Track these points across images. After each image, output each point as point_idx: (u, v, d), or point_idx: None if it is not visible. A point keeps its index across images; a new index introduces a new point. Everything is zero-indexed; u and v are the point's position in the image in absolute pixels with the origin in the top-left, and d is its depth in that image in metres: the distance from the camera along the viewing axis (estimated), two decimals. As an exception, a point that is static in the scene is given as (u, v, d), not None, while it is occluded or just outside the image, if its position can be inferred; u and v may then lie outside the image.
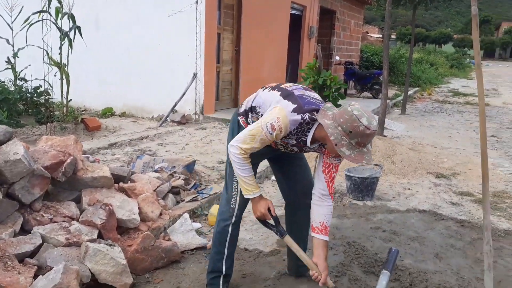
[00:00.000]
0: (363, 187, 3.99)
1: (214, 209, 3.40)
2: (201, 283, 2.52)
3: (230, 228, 2.32)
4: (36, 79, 6.17)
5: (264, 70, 8.98)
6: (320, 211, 2.19)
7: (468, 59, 36.60)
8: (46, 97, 6.25)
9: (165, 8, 7.11)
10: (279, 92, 2.14)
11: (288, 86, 2.21)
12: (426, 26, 78.29)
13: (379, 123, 6.57)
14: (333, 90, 3.59)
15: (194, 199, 3.62)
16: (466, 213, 3.79)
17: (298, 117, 2.01)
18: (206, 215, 3.47)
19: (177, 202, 3.60)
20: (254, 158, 2.22)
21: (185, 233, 3.02)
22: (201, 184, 4.01)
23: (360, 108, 1.93)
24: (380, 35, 41.43)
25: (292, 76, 10.80)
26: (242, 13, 7.95)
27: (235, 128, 2.33)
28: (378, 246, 3.05)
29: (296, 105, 2.03)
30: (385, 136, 6.36)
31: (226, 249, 2.34)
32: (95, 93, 7.85)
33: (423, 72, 18.24)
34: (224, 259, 2.34)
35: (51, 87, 6.05)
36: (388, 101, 7.91)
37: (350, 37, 14.48)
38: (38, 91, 6.28)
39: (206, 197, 3.67)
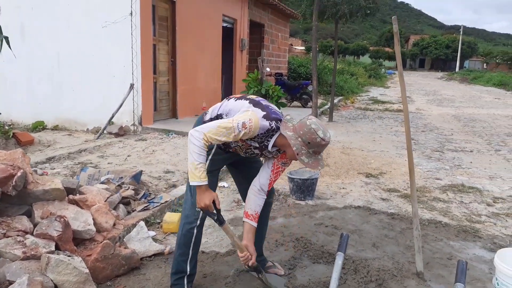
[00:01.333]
0: (305, 188, 4.30)
1: (168, 216, 3.49)
2: (163, 286, 2.62)
3: (195, 231, 2.45)
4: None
5: (200, 80, 9.13)
6: (257, 201, 2.45)
7: (383, 70, 39.64)
8: (-32, 111, 5.86)
9: (97, 18, 7.00)
10: (247, 101, 2.34)
11: (254, 97, 2.42)
12: (345, 38, 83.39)
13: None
14: (275, 99, 3.86)
15: (145, 208, 3.67)
16: (395, 207, 4.25)
17: (267, 123, 2.23)
18: (159, 223, 3.54)
19: (129, 212, 3.62)
20: (217, 164, 2.45)
21: (142, 241, 3.08)
22: (150, 193, 4.06)
23: (316, 121, 2.22)
24: (303, 48, 43.44)
25: (227, 86, 11.06)
26: (176, 25, 8.06)
27: None
28: (323, 240, 3.35)
29: (265, 113, 2.25)
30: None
31: (191, 250, 2.46)
32: (23, 105, 7.47)
33: (345, 82, 19.50)
34: (189, 260, 2.47)
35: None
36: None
37: (278, 49, 15.13)
38: (-41, 104, 5.87)
39: (157, 206, 3.74)
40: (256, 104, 2.31)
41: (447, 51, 63.89)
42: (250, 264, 2.38)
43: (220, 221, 2.32)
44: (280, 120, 2.30)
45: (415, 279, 2.76)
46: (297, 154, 2.18)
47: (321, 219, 3.81)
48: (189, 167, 2.21)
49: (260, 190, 2.46)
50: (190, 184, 2.24)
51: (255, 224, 2.45)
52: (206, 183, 2.21)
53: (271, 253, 3.08)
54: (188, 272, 2.48)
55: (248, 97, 2.41)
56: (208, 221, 3.25)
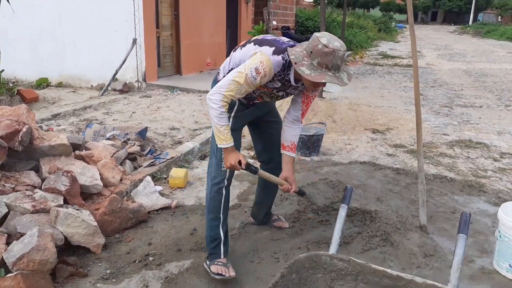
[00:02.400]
0: (310, 144, 4.29)
1: (174, 172, 3.52)
2: (170, 238, 2.68)
3: (223, 191, 2.35)
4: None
5: (204, 34, 8.93)
6: (292, 132, 2.38)
7: (394, 23, 38.43)
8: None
9: (97, -29, 6.77)
10: (252, 43, 2.18)
11: (258, 37, 2.25)
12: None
13: (319, 85, 6.91)
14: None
15: (151, 164, 3.70)
16: (401, 162, 4.24)
17: (279, 57, 2.05)
18: (166, 178, 3.58)
19: (135, 168, 3.66)
20: (239, 121, 2.36)
21: (149, 195, 3.13)
22: (156, 150, 4.08)
23: (327, 34, 1.99)
24: (312, 0, 42.01)
25: (232, 40, 10.82)
26: (179, -23, 7.78)
27: None
28: (327, 194, 3.37)
29: (274, 48, 2.07)
30: (324, 98, 6.73)
31: (221, 213, 2.36)
32: (27, 63, 7.40)
33: (354, 36, 18.97)
34: (221, 225, 2.35)
35: (-23, 57, 5.63)
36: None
37: (285, 1, 14.64)
38: (-38, 61, 5.81)
39: (163, 162, 3.76)
40: (262, 42, 2.14)
41: (461, 3, 61.43)
42: (291, 192, 2.38)
43: (253, 170, 2.27)
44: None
45: (418, 232, 2.79)
46: (295, 64, 1.96)
47: (326, 174, 3.83)
48: (214, 130, 2.15)
49: (294, 121, 2.38)
50: (218, 146, 2.17)
51: (293, 154, 2.40)
52: (231, 144, 2.14)
53: (276, 207, 3.11)
54: (222, 238, 2.35)
55: (251, 39, 2.24)
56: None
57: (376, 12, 56.59)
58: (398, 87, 8.94)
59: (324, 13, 6.98)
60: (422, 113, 6.34)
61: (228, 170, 2.31)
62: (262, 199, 2.79)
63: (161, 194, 3.29)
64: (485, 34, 33.65)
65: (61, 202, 2.62)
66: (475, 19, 55.54)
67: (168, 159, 3.85)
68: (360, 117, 5.74)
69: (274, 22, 12.77)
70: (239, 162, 2.18)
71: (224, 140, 2.12)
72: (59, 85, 7.16)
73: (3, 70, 5.70)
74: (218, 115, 2.07)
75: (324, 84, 2.13)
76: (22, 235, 2.30)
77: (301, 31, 16.39)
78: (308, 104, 2.37)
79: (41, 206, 2.52)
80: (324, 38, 1.95)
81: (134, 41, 6.76)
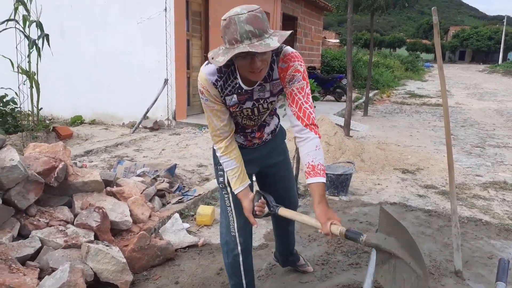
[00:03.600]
0: (338, 183, 4.25)
1: (201, 209, 3.54)
2: (197, 277, 2.66)
3: (240, 257, 2.10)
4: (2, 88, 6.05)
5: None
6: (304, 149, 1.81)
7: (421, 62, 38.45)
8: (12, 106, 6.15)
9: (132, 15, 7.16)
10: None
11: None
12: (381, 31, 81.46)
13: (345, 124, 6.92)
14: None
15: (180, 201, 3.73)
16: (432, 204, 4.12)
17: (209, 65, 1.78)
18: (193, 215, 3.60)
19: (163, 205, 3.70)
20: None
21: (177, 232, 3.14)
22: (184, 186, 4.12)
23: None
24: (337, 40, 42.78)
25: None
26: (209, 20, 8.12)
27: None
28: (357, 236, 3.29)
29: (206, 61, 1.81)
30: (352, 137, 6.71)
31: (244, 279, 2.12)
32: (63, 101, 7.76)
33: (381, 75, 19.05)
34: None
35: (18, 96, 5.95)
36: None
37: (311, 42, 14.96)
38: (4, 100, 6.16)
39: (191, 199, 3.80)
40: None
41: (490, 43, 61.16)
42: (331, 237, 1.74)
43: (274, 211, 1.93)
44: None
45: (453, 277, 2.67)
46: (212, 58, 1.64)
47: (355, 215, 3.75)
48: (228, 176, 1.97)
49: (300, 132, 1.82)
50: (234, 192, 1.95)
51: (313, 180, 1.77)
52: (239, 190, 1.92)
53: (304, 248, 3.06)
54: None
55: None
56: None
57: (402, 51, 56.92)
58: (427, 126, 8.82)
59: (351, 53, 7.09)
60: (453, 153, 6.22)
61: (237, 233, 2.06)
62: (277, 236, 2.53)
63: (188, 231, 3.30)
64: (516, 73, 33.10)
65: (92, 238, 2.67)
66: (504, 58, 54.93)
67: (195, 196, 3.88)
68: (389, 156, 5.66)
69: (301, 62, 13.03)
70: (254, 214, 1.90)
71: (234, 186, 1.93)
72: (92, 122, 7.44)
73: (41, 108, 5.98)
74: (223, 162, 1.94)
75: (256, 62, 1.63)
76: (53, 270, 2.34)
77: (327, 70, 16.61)
78: (298, 103, 1.81)
79: (73, 242, 2.57)
80: (227, 14, 1.61)
81: (166, 81, 7.01)
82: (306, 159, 1.80)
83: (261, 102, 1.90)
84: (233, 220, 2.08)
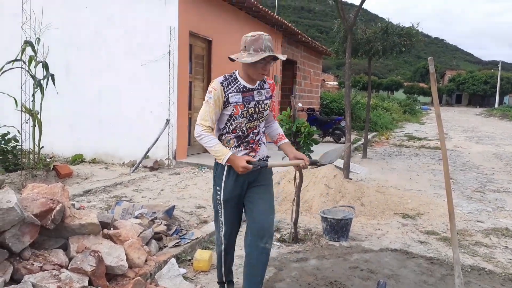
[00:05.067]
0: (338, 228, 4.19)
1: (199, 254, 3.46)
2: (193, 327, 2.56)
3: (223, 253, 2.79)
4: (4, 125, 6.10)
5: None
6: (273, 127, 2.81)
7: (418, 105, 39.00)
8: (14, 144, 6.17)
9: (136, 57, 7.33)
10: None
11: None
12: (378, 74, 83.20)
13: (345, 166, 6.92)
14: (306, 136, 3.85)
15: (177, 244, 3.66)
16: (434, 251, 4.05)
17: (221, 77, 2.56)
18: (190, 260, 3.52)
19: (160, 248, 3.62)
20: (236, 187, 2.59)
21: (173, 279, 3.06)
22: (181, 229, 4.06)
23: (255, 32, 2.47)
24: (336, 83, 43.54)
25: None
26: (211, 63, 8.31)
27: None
28: (358, 285, 3.21)
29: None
30: (351, 179, 6.69)
31: (222, 267, 2.86)
32: (64, 139, 7.79)
33: (379, 117, 19.28)
34: (223, 273, 2.87)
35: (20, 134, 5.99)
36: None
37: (310, 85, 15.25)
38: (6, 138, 6.19)
39: (188, 242, 3.73)
40: None
41: (485, 87, 62.33)
42: (307, 163, 2.63)
43: (263, 165, 2.53)
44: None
45: (458, 332, 2.58)
46: (237, 58, 2.44)
47: (356, 262, 3.67)
48: (210, 152, 2.52)
49: (273, 121, 2.83)
50: (222, 163, 2.49)
51: (285, 141, 2.79)
52: (230, 153, 2.46)
53: (304, 297, 2.97)
54: (224, 280, 2.91)
55: None
56: (239, 261, 3.21)
57: (399, 94, 57.93)
58: (426, 169, 8.82)
59: (349, 96, 7.20)
60: (453, 198, 6.18)
61: (223, 236, 2.71)
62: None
63: (185, 277, 3.21)
64: (513, 117, 33.50)
65: (86, 283, 2.59)
66: (501, 102, 55.83)
67: (193, 240, 3.81)
68: (389, 200, 5.62)
69: (300, 104, 13.22)
70: (248, 162, 2.46)
71: (222, 155, 2.46)
72: (93, 161, 7.44)
73: (42, 147, 6.00)
74: (207, 140, 2.48)
75: (268, 66, 2.49)
76: (44, 318, 2.26)
77: (326, 112, 16.83)
78: (273, 106, 2.75)
79: (66, 287, 2.50)
80: (250, 33, 2.45)
81: (168, 121, 7.09)
82: (276, 131, 2.81)
83: (260, 103, 2.61)
84: (222, 228, 2.71)
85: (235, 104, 2.51)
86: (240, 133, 2.58)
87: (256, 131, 2.64)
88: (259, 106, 2.60)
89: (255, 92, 2.58)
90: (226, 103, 2.50)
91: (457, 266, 2.69)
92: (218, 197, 2.65)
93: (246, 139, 2.60)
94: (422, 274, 3.49)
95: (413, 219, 5.08)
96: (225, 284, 2.93)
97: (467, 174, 8.41)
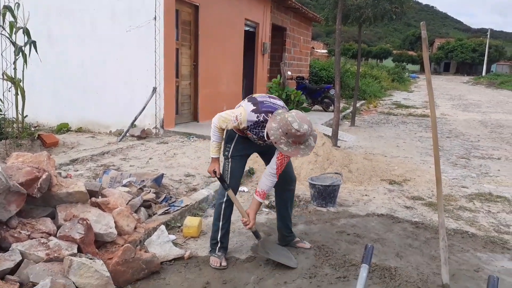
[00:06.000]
0: (326, 194, 4.24)
1: (188, 220, 3.49)
2: (183, 291, 2.61)
3: (223, 205, 3.01)
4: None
5: (221, 84, 9.16)
6: (265, 182, 2.88)
7: (407, 73, 38.97)
8: (-3, 113, 6.02)
9: (121, 23, 7.11)
10: (247, 99, 2.88)
11: (256, 95, 2.90)
12: (368, 42, 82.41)
13: (333, 134, 6.95)
14: (296, 104, 3.85)
15: (166, 212, 3.68)
16: (419, 216, 4.14)
17: (254, 116, 2.71)
18: (180, 227, 3.55)
19: (149, 216, 3.64)
20: (240, 151, 2.99)
21: (163, 245, 3.08)
22: (171, 197, 4.07)
23: (295, 115, 2.57)
24: (326, 51, 43.11)
25: (248, 90, 11.06)
26: (199, 29, 8.10)
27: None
28: (345, 248, 3.28)
29: (255, 107, 2.73)
30: (339, 147, 6.73)
31: (220, 221, 3.02)
32: (49, 108, 7.64)
33: (368, 85, 19.24)
34: (219, 230, 3.01)
35: (2, 103, 5.83)
36: (340, 113, 8.33)
37: (300, 52, 15.05)
38: (-12, 107, 6.03)
39: (178, 210, 3.74)
40: (250, 99, 2.82)
41: (474, 55, 62.36)
42: (247, 228, 2.95)
43: (225, 187, 2.99)
44: (272, 113, 2.67)
45: (440, 291, 2.67)
46: (275, 143, 2.57)
47: (343, 226, 3.74)
48: (211, 142, 2.96)
49: (270, 174, 2.86)
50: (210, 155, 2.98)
51: (261, 200, 2.92)
52: (215, 156, 2.96)
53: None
54: (218, 240, 3.01)
55: (251, 95, 2.90)
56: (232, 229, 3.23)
57: (388, 62, 57.71)
58: (413, 137, 8.91)
59: (339, 65, 7.15)
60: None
61: (227, 193, 2.98)
62: (278, 209, 3.24)
63: (175, 243, 3.24)
64: (499, 85, 33.79)
65: (75, 250, 2.60)
66: (488, 70, 56.07)
67: (182, 207, 3.82)
68: (376, 167, 5.69)
69: (289, 73, 13.07)
70: (214, 172, 2.97)
71: (212, 152, 2.98)
72: (79, 130, 7.33)
73: (26, 116, 5.87)
74: (212, 132, 2.91)
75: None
76: (34, 284, 2.27)
77: (315, 81, 16.71)
78: (282, 162, 2.82)
79: (55, 255, 2.50)
80: (295, 123, 2.52)
81: (154, 89, 6.96)
82: (263, 187, 2.89)
83: (266, 142, 2.90)
84: (228, 180, 3.00)
85: (249, 132, 2.86)
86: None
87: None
88: (263, 144, 2.95)
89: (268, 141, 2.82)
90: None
91: (442, 230, 2.76)
92: (227, 153, 3.01)
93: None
94: (407, 237, 3.57)
95: (399, 185, 5.16)
96: (218, 244, 3.00)
97: (453, 141, 8.52)
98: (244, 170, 3.26)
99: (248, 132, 2.82)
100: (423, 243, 3.47)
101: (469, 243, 3.52)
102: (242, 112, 2.73)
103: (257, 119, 2.70)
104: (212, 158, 2.98)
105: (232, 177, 3.02)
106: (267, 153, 3.02)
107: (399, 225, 3.86)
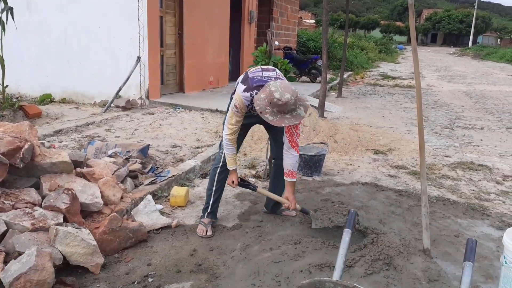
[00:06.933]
0: (312, 164, 4.28)
1: (175, 190, 3.50)
2: (170, 258, 2.64)
3: (218, 170, 3.06)
4: (-37, 63, 5.74)
5: (207, 54, 9.01)
6: (287, 161, 2.91)
7: (394, 44, 38.85)
8: (-24, 83, 5.86)
9: (103, -11, 6.88)
10: (242, 76, 2.87)
11: (249, 70, 2.87)
12: (356, 12, 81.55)
13: (320, 105, 6.95)
14: (283, 73, 3.82)
15: (153, 182, 3.68)
16: (403, 184, 4.22)
17: (248, 95, 2.72)
18: (167, 196, 3.56)
19: (136, 186, 3.64)
20: (245, 119, 2.90)
21: (149, 214, 3.10)
22: (157, 167, 4.06)
23: (279, 84, 2.58)
24: (313, 21, 42.58)
25: (234, 60, 10.91)
26: (183, -3, 7.89)
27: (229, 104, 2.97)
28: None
29: (246, 86, 2.74)
30: (325, 118, 6.75)
31: (214, 185, 3.07)
32: (31, 78, 7.46)
33: (355, 56, 19.16)
34: (212, 194, 3.07)
35: (-19, 72, 5.67)
36: (327, 84, 8.30)
37: (287, 22, 14.82)
38: (-33, 76, 5.86)
39: (164, 180, 3.74)
40: (242, 79, 2.82)
41: (461, 26, 62.33)
42: (292, 208, 2.99)
43: (253, 188, 3.08)
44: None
45: (421, 256, 2.75)
46: (260, 113, 2.57)
47: (327, 195, 3.80)
48: (226, 156, 2.96)
49: (287, 151, 2.89)
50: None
51: (290, 179, 2.95)
52: (232, 168, 2.98)
53: (277, 227, 3.08)
54: (209, 206, 3.06)
55: (247, 71, 2.87)
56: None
57: (376, 33, 57.33)
58: (399, 107, 8.97)
59: (326, 34, 7.07)
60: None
61: (223, 156, 3.01)
62: (273, 189, 3.22)
63: (162, 213, 3.26)
64: (485, 57, 34.01)
65: (61, 220, 2.60)
66: (474, 42, 56.17)
67: (169, 177, 3.83)
68: (362, 137, 5.74)
69: (277, 43, 12.92)
70: (241, 180, 3.06)
71: (229, 165, 2.97)
72: (63, 101, 7.20)
73: (7, 86, 5.73)
74: (225, 146, 2.92)
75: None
76: (20, 254, 2.27)
77: (302, 51, 16.56)
78: (292, 134, 2.84)
79: (40, 224, 2.50)
80: (277, 93, 2.52)
81: (138, 59, 6.82)
82: (288, 167, 2.93)
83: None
84: (223, 154, 3.02)
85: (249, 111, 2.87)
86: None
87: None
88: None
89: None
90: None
91: (424, 197, 2.82)
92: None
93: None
94: (391, 205, 3.65)
95: (384, 154, 5.23)
96: (209, 209, 3.06)
97: (438, 112, 8.61)
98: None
99: (254, 111, 2.78)
100: (406, 210, 3.55)
101: (450, 210, 3.61)
102: (237, 98, 2.74)
103: (251, 97, 2.70)
104: (230, 170, 3.00)
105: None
106: (271, 127, 3.02)
107: (383, 193, 3.93)
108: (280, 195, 3.12)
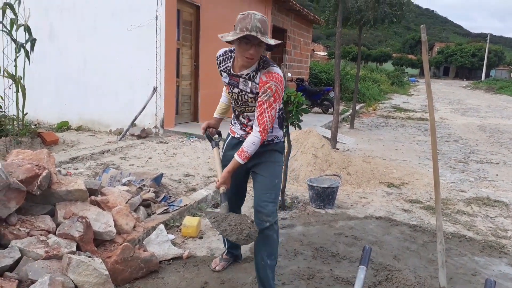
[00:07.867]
0: (325, 196, 4.25)
1: (187, 220, 3.49)
2: (181, 291, 2.62)
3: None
4: (-14, 91, 5.94)
5: (221, 84, 9.14)
6: (249, 139, 2.41)
7: (406, 77, 39.06)
8: (-3, 111, 6.02)
9: (123, 21, 7.12)
10: None
11: None
12: (368, 45, 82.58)
13: (332, 136, 6.96)
14: (296, 105, 3.84)
15: (165, 211, 3.69)
16: (417, 219, 4.15)
17: (222, 50, 2.57)
18: (178, 226, 3.55)
19: (148, 215, 3.64)
20: (230, 159, 2.50)
21: (161, 244, 3.09)
22: (170, 196, 4.08)
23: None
24: (326, 53, 43.21)
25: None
26: (200, 29, 8.13)
27: None
28: (342, 250, 3.29)
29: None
30: (338, 149, 6.75)
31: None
32: (49, 106, 7.65)
33: (367, 88, 19.28)
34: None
35: (3, 100, 5.84)
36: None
37: (300, 54, 15.08)
38: (-12, 104, 6.03)
39: (177, 209, 3.75)
40: None
41: (473, 60, 62.55)
42: (216, 186, 2.51)
43: (212, 145, 2.83)
44: None
45: (438, 295, 2.68)
46: (222, 37, 2.29)
47: (341, 228, 3.76)
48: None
49: (253, 129, 2.42)
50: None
51: (238, 158, 2.40)
52: (216, 116, 2.91)
53: (290, 261, 3.04)
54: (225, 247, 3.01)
55: None
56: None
57: (388, 65, 57.82)
58: (412, 140, 8.93)
59: (339, 66, 7.16)
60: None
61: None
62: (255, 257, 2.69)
63: (173, 243, 3.25)
64: (498, 90, 33.88)
65: (74, 248, 2.60)
66: (487, 75, 56.21)
67: (181, 207, 3.83)
68: (375, 170, 5.70)
69: (289, 74, 13.11)
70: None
71: (216, 112, 2.93)
72: (79, 128, 7.34)
73: (27, 113, 5.88)
74: (223, 96, 2.90)
75: (254, 51, 2.26)
76: (33, 282, 2.27)
77: (315, 83, 16.74)
78: (262, 111, 2.33)
79: (54, 252, 2.50)
80: (243, 13, 2.29)
81: (155, 89, 6.97)
82: (245, 144, 2.41)
83: (243, 93, 2.47)
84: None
85: (224, 81, 2.59)
86: (236, 109, 2.64)
87: (244, 117, 2.59)
88: (242, 95, 2.48)
89: (240, 79, 2.44)
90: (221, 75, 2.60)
91: (440, 233, 2.76)
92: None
93: (239, 119, 2.65)
94: (405, 240, 3.58)
95: (397, 188, 5.17)
96: (226, 248, 2.98)
97: (452, 145, 8.55)
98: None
99: (224, 79, 2.55)
100: (421, 246, 3.48)
101: (467, 247, 3.53)
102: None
103: (228, 49, 2.54)
104: (214, 116, 2.91)
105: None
106: (252, 169, 2.63)
107: (397, 228, 3.87)
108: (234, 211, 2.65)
